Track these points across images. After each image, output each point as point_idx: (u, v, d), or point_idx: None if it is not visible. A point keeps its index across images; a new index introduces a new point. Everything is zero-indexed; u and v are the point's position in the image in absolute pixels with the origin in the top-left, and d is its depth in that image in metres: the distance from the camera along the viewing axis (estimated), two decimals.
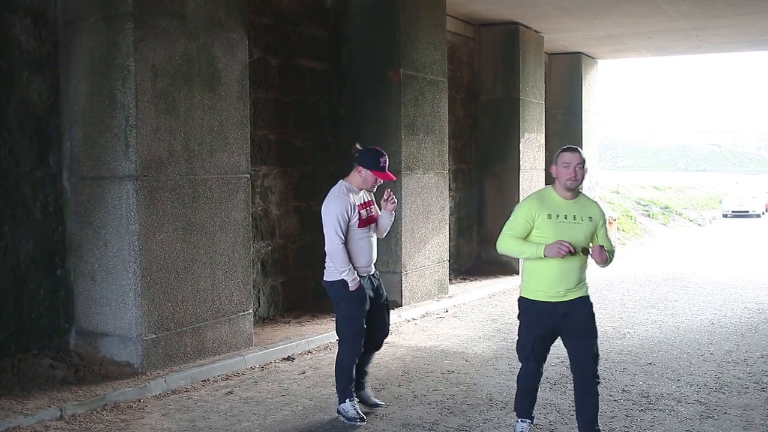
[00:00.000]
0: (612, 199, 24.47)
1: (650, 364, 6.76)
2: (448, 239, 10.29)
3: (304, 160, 8.86)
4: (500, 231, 4.59)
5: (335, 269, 5.06)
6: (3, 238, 5.86)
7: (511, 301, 10.24)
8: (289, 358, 6.95)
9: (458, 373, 6.48)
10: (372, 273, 5.25)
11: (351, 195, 5.07)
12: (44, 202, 6.16)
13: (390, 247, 9.25)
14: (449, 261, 10.52)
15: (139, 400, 5.60)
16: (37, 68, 6.10)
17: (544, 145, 13.60)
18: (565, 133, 15.40)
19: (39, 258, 6.12)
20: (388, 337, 7.88)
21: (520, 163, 12.51)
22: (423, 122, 9.59)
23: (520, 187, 12.48)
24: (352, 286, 5.04)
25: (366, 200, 5.17)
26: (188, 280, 6.42)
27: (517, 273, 12.34)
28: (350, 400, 5.14)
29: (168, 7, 6.20)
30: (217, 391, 5.94)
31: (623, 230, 19.92)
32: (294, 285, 8.74)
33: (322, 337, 7.54)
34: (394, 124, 9.19)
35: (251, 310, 7.09)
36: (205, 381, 6.16)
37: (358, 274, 5.08)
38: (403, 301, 9.25)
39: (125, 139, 5.99)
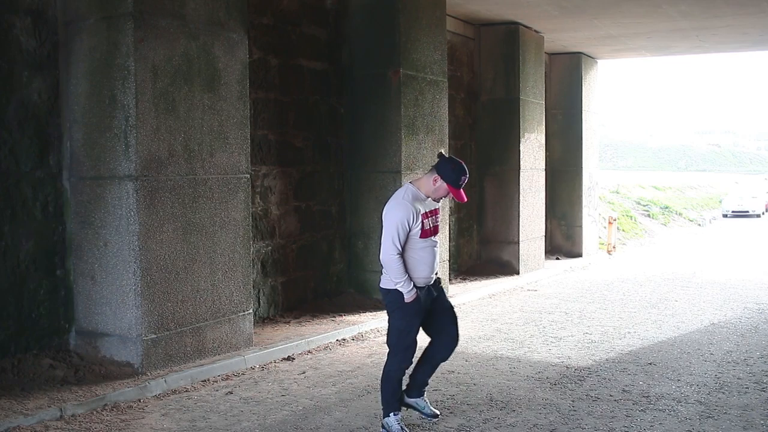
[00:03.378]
0: (612, 199, 24.48)
1: (650, 364, 6.77)
2: (448, 239, 10.29)
3: (304, 160, 8.86)
4: None
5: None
6: (3, 238, 5.86)
7: (511, 301, 10.25)
8: (289, 358, 6.95)
9: (458, 373, 6.48)
10: (432, 282, 4.90)
11: (416, 202, 4.72)
12: (44, 202, 6.16)
13: None
14: (449, 261, 10.51)
15: (139, 400, 5.60)
16: (37, 68, 6.10)
17: (544, 145, 13.60)
18: (565, 133, 15.40)
19: (39, 258, 6.12)
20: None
21: (520, 163, 12.51)
22: (423, 122, 9.59)
23: (521, 187, 12.49)
24: (407, 298, 4.69)
25: (432, 209, 4.84)
26: (188, 280, 6.42)
27: (518, 273, 12.36)
28: (395, 414, 4.84)
29: (168, 7, 6.20)
30: (217, 391, 5.94)
31: (623, 230, 19.93)
32: (294, 285, 8.74)
33: (322, 337, 7.54)
34: (394, 124, 9.19)
35: (251, 310, 7.09)
36: (205, 381, 6.16)
37: (416, 285, 4.73)
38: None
39: (125, 139, 5.99)
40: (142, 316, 6.03)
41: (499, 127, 12.56)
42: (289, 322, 8.21)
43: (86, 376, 5.92)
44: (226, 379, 6.27)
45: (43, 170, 6.16)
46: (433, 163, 4.84)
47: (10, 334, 5.91)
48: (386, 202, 4.88)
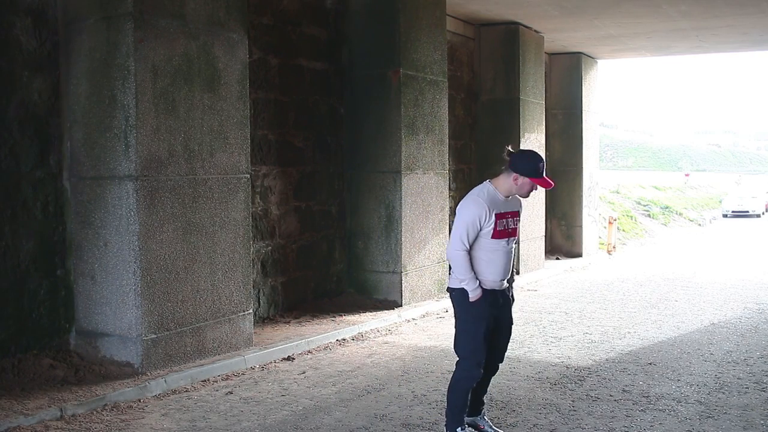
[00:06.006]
0: (612, 199, 24.47)
1: (650, 364, 6.77)
2: (448, 239, 10.29)
3: (304, 160, 8.86)
4: None
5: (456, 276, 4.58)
6: (3, 238, 5.86)
7: None
8: (289, 358, 6.95)
9: None
10: (503, 289, 4.65)
11: (493, 201, 4.50)
12: (44, 202, 6.16)
13: (390, 247, 9.25)
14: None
15: (139, 400, 5.60)
16: (37, 68, 6.10)
17: (544, 145, 13.60)
18: (565, 133, 15.41)
19: (39, 258, 6.12)
20: (388, 337, 7.93)
21: None
22: (423, 122, 9.59)
23: None
24: (472, 297, 4.49)
25: (512, 210, 4.60)
26: (188, 280, 6.42)
27: (518, 273, 12.36)
28: (461, 430, 4.57)
29: (168, 7, 6.20)
30: (217, 391, 5.94)
31: (623, 230, 19.93)
32: (294, 285, 8.74)
33: (322, 337, 7.54)
34: (394, 124, 9.19)
35: (251, 310, 7.09)
36: (205, 381, 6.16)
37: (483, 287, 4.52)
38: (403, 301, 9.25)
39: (125, 139, 5.99)
40: (142, 316, 6.03)
41: (499, 127, 12.55)
42: (289, 322, 8.21)
43: (86, 376, 5.92)
44: (226, 379, 6.27)
45: (44, 170, 6.16)
46: (506, 162, 4.57)
47: (11, 334, 5.91)
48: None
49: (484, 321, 4.55)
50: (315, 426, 5.11)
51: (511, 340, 7.64)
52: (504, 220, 4.54)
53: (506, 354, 7.14)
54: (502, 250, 4.55)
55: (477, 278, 4.52)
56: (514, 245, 4.67)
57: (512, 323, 4.83)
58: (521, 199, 4.71)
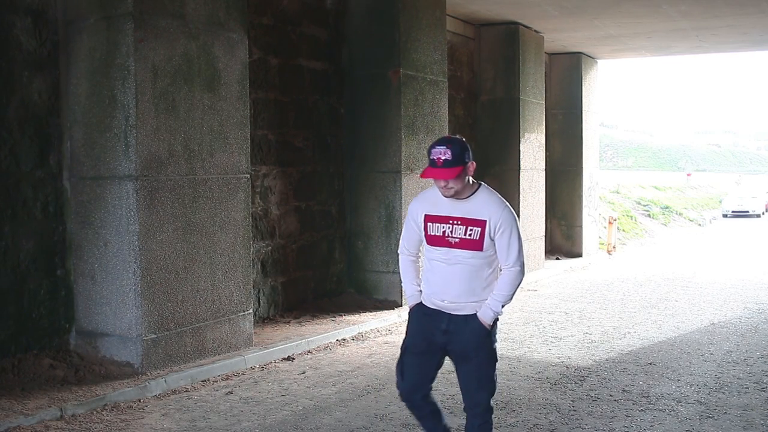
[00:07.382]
0: (612, 199, 24.47)
1: (650, 364, 6.77)
2: None
3: (304, 160, 8.86)
4: None
5: None
6: (3, 238, 5.86)
7: (511, 301, 10.24)
8: (289, 358, 6.95)
9: None
10: (452, 312, 3.76)
11: (429, 199, 3.79)
12: (44, 202, 6.16)
13: (390, 247, 9.25)
14: None
15: (139, 400, 5.60)
16: (37, 68, 6.10)
17: (544, 145, 13.60)
18: (565, 133, 15.41)
19: (39, 258, 6.12)
20: (388, 337, 7.92)
21: (520, 163, 12.51)
22: (423, 122, 9.59)
23: (521, 187, 12.49)
24: (408, 302, 3.97)
25: (458, 215, 3.65)
26: (188, 280, 6.42)
27: None
28: None
29: (168, 7, 6.20)
30: (217, 391, 5.94)
31: (623, 230, 19.93)
32: (294, 285, 8.74)
33: (322, 337, 7.54)
34: (394, 124, 9.20)
35: (251, 310, 7.09)
36: (205, 381, 6.16)
37: (424, 302, 3.89)
38: (404, 301, 9.25)
39: (125, 139, 5.99)
40: (142, 316, 6.03)
41: (499, 127, 12.56)
42: (289, 322, 8.21)
43: (86, 376, 5.92)
44: (226, 379, 6.27)
45: (44, 170, 6.16)
46: None
47: (11, 334, 5.91)
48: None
49: (410, 338, 3.96)
50: (315, 426, 5.11)
51: (511, 340, 7.71)
52: (442, 225, 3.69)
53: (506, 354, 7.13)
54: (437, 261, 3.73)
55: (416, 285, 3.93)
56: (472, 262, 3.67)
57: (477, 361, 3.88)
58: (498, 205, 3.70)
